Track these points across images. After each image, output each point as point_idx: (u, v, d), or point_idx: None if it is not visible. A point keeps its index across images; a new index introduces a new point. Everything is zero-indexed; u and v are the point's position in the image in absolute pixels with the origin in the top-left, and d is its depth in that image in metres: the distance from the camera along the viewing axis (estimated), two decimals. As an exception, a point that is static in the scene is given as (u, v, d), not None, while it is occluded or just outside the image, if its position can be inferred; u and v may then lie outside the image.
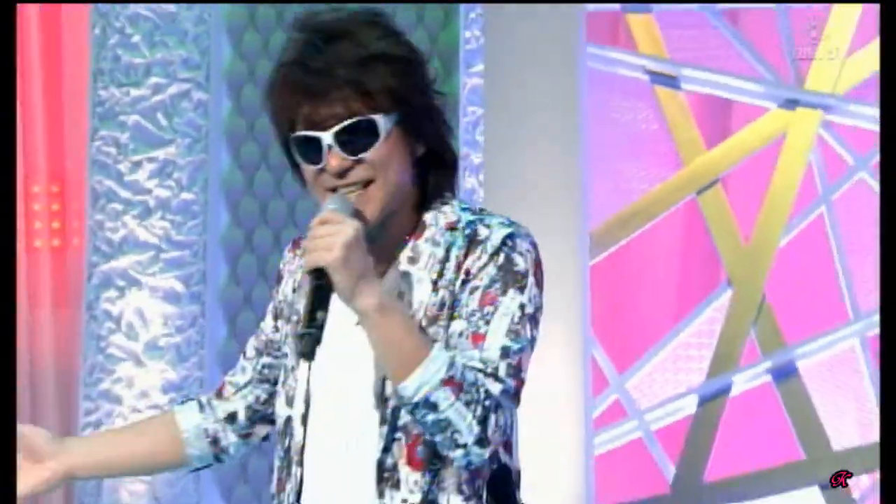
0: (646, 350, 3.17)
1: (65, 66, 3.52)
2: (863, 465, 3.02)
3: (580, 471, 3.00)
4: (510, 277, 1.29)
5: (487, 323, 1.28)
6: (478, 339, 1.28)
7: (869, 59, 3.11)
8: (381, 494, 1.29)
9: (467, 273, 1.29)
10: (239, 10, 3.48)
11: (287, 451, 1.37)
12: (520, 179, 3.08)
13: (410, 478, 1.29)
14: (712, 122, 3.25)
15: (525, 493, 1.36)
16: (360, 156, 1.29)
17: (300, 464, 1.35)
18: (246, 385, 1.46)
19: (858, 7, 3.08)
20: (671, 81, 3.24)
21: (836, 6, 3.12)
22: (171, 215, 3.47)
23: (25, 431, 1.42)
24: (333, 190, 1.31)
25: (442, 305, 1.29)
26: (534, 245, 1.32)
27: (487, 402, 1.25)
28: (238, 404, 1.45)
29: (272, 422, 1.43)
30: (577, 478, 2.99)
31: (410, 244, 1.34)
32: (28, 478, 1.46)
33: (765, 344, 3.12)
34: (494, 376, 1.26)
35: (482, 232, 1.31)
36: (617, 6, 3.25)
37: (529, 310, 1.29)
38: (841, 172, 3.15)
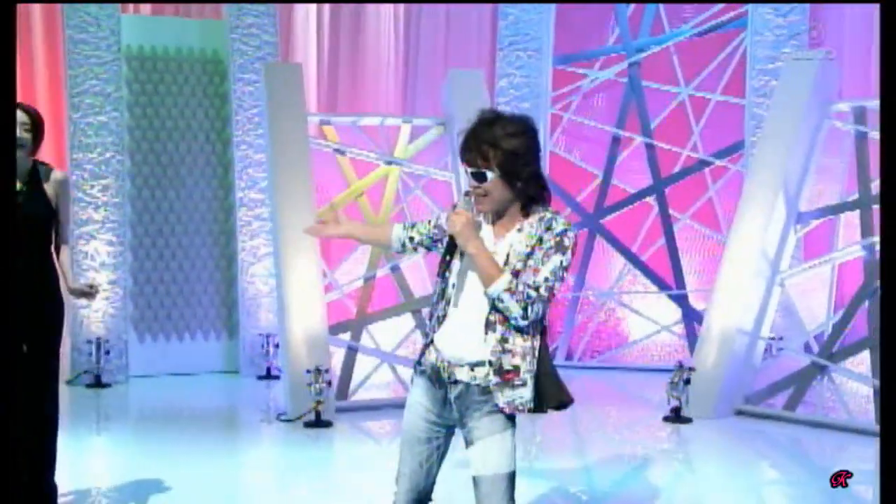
0: (340, 259, 7.55)
1: None
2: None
3: (320, 310, 7.19)
4: (560, 248, 2.89)
5: (543, 264, 2.88)
6: (536, 271, 2.88)
7: (417, 146, 7.84)
8: (486, 333, 2.93)
9: (541, 241, 2.89)
10: None
11: (440, 301, 3.02)
12: (291, 191, 7.37)
13: (499, 328, 2.92)
14: (361, 169, 7.64)
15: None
16: (479, 184, 2.93)
17: (446, 309, 3.01)
18: (413, 239, 3.23)
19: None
20: (341, 153, 7.61)
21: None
22: None
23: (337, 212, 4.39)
24: (467, 193, 2.97)
25: (528, 255, 2.90)
26: (575, 236, 2.92)
27: (529, 299, 2.85)
28: (413, 239, 3.24)
29: (426, 248, 3.22)
30: (319, 313, 7.20)
31: (519, 225, 2.95)
32: (330, 228, 3.34)
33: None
34: (536, 290, 2.87)
35: (553, 225, 2.91)
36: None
37: (565, 265, 2.90)
38: (409, 189, 7.88)
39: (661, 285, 8.91)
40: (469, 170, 2.94)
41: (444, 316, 3.00)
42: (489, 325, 2.91)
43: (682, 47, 9.03)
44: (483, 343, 2.92)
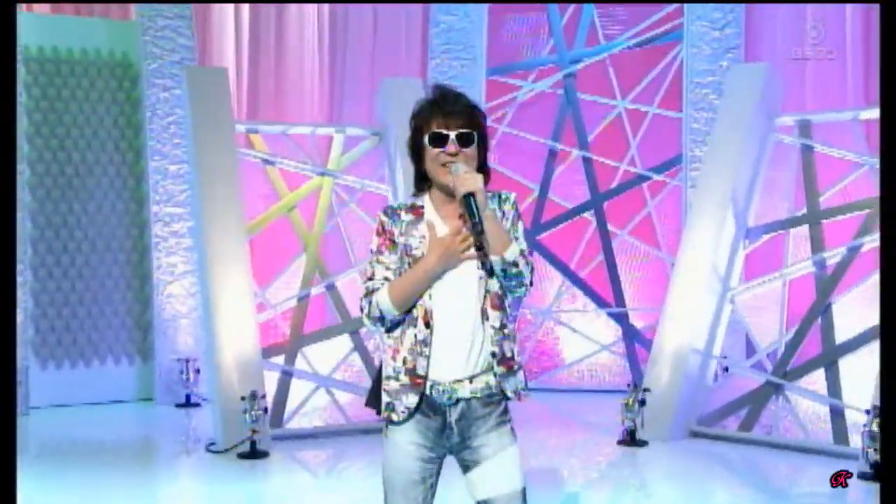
0: (272, 278, 7.21)
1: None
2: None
3: (252, 332, 6.83)
4: (518, 215, 2.91)
5: (517, 232, 2.88)
6: (516, 239, 2.84)
7: (350, 157, 7.55)
8: (483, 323, 2.83)
9: (503, 214, 2.88)
10: None
11: (409, 328, 2.83)
12: (217, 204, 6.95)
13: (493, 314, 2.84)
14: (292, 181, 7.36)
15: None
16: (464, 149, 2.82)
17: (426, 332, 2.81)
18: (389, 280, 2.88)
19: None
20: (271, 163, 7.30)
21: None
22: None
23: None
24: (443, 165, 2.81)
25: None
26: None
27: (531, 264, 2.83)
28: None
29: None
30: (251, 335, 6.83)
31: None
32: None
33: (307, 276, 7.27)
34: (525, 256, 2.83)
35: (503, 196, 2.91)
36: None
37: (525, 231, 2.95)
38: (343, 202, 7.57)
39: (601, 303, 8.77)
40: (453, 133, 2.81)
41: (426, 340, 2.82)
42: (484, 315, 2.82)
43: (618, 59, 8.96)
44: (480, 337, 2.82)
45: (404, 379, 2.83)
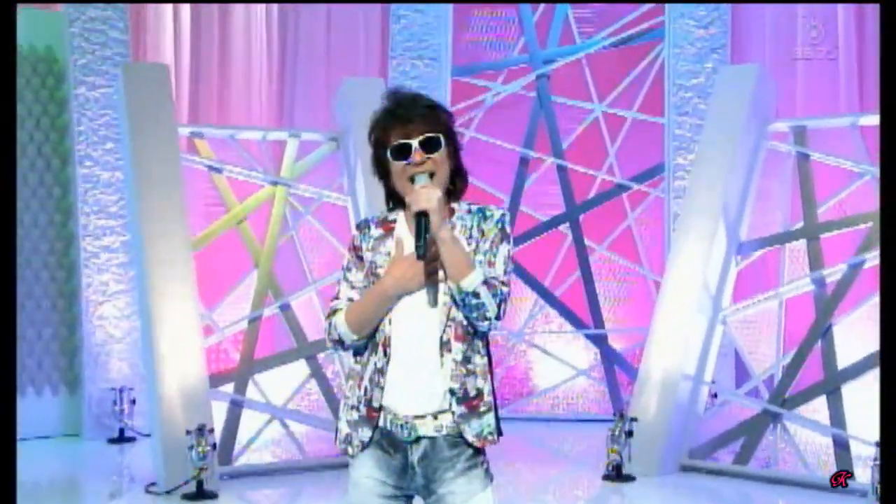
0: (219, 299, 7.08)
1: None
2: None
3: (198, 359, 6.59)
4: (503, 236, 2.80)
5: (495, 256, 2.77)
6: (491, 264, 2.76)
7: (306, 165, 7.41)
8: (441, 355, 2.73)
9: (482, 232, 2.78)
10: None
11: (372, 354, 2.78)
12: (157, 217, 6.71)
13: (456, 346, 2.74)
14: (241, 190, 7.20)
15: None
16: (432, 155, 2.75)
17: (384, 360, 2.76)
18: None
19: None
20: (217, 171, 7.15)
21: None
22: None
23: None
24: (411, 179, 2.73)
25: (474, 250, 2.77)
26: (511, 221, 2.82)
27: (501, 295, 2.71)
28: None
29: None
30: (196, 362, 6.61)
31: (448, 220, 2.77)
32: None
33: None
34: (502, 283, 2.74)
35: (488, 213, 2.82)
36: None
37: (511, 253, 2.82)
38: (298, 214, 7.40)
39: (578, 324, 8.70)
40: (416, 141, 2.76)
41: (383, 369, 2.79)
42: (444, 346, 2.76)
43: (595, 60, 8.95)
44: (439, 370, 2.75)
45: (363, 410, 2.81)
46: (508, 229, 2.85)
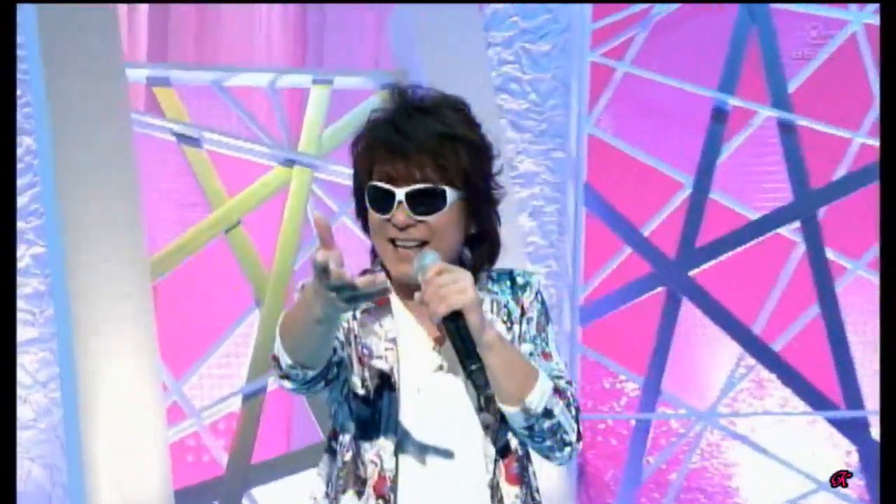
0: (195, 360, 6.23)
1: None
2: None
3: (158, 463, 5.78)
4: (546, 311, 2.57)
5: (547, 344, 2.52)
6: (546, 356, 2.50)
7: (343, 130, 6.42)
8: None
9: (523, 308, 2.53)
10: None
11: (364, 472, 2.42)
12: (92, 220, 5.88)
13: (511, 491, 2.46)
14: (234, 175, 6.28)
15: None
16: (425, 218, 2.37)
17: (393, 489, 2.41)
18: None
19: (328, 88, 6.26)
20: (194, 142, 6.26)
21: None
22: None
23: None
24: (392, 241, 2.39)
25: (516, 336, 2.50)
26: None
27: (576, 403, 2.47)
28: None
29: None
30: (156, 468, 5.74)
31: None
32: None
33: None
34: (569, 382, 2.49)
35: (519, 279, 2.56)
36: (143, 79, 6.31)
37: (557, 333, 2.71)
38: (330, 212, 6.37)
39: (816, 400, 7.63)
40: (402, 191, 2.41)
41: (395, 479, 2.47)
42: (495, 492, 2.48)
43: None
44: None
45: None
46: (546, 298, 2.70)
